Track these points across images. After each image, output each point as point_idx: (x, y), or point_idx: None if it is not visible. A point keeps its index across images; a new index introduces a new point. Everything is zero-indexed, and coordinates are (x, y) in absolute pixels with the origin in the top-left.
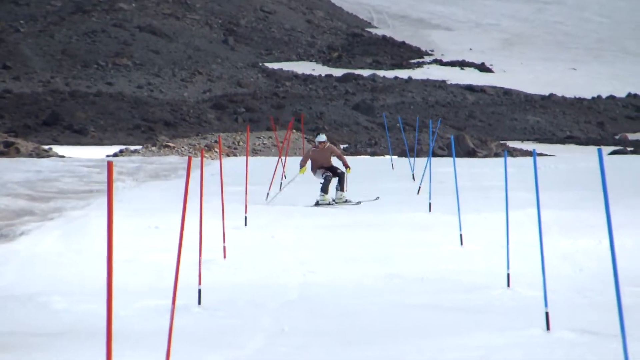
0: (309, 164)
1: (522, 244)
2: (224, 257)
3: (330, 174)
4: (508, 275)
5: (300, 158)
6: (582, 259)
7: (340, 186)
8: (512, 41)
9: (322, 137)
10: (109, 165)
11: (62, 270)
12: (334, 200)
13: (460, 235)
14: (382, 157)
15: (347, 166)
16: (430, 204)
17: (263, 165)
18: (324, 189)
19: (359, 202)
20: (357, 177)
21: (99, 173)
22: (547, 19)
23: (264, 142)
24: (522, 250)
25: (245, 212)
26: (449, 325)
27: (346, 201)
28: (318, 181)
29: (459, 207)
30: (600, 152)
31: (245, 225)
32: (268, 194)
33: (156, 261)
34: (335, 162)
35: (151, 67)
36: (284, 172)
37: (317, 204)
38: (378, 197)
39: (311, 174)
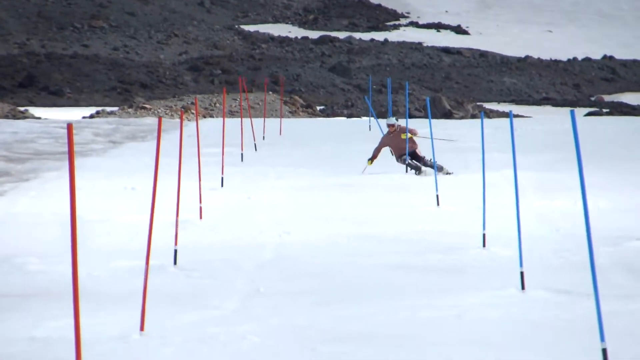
0: (383, 153)
1: (498, 205)
2: (200, 217)
3: (409, 158)
4: (484, 235)
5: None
6: (558, 219)
7: (423, 161)
8: (488, 3)
9: (391, 120)
10: (69, 128)
11: (38, 231)
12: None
13: (437, 196)
14: (358, 118)
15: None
16: (407, 165)
17: (238, 127)
18: (417, 169)
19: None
20: (334, 139)
21: (75, 134)
22: None
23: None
24: (498, 211)
25: (222, 174)
26: (424, 285)
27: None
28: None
29: (435, 168)
30: (572, 113)
31: (222, 186)
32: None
33: (131, 222)
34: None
35: (127, 29)
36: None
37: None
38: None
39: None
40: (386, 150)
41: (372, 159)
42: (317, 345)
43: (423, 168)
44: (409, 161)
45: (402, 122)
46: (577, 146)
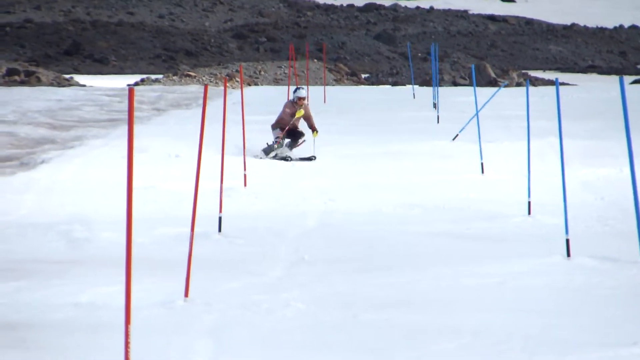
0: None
1: (543, 173)
2: (245, 185)
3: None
4: (529, 203)
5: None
6: (603, 187)
7: (292, 145)
8: None
9: (303, 93)
10: (130, 92)
11: (83, 199)
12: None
13: (482, 163)
14: (403, 86)
15: (313, 129)
16: (457, 135)
17: (283, 94)
18: (267, 152)
19: (289, 159)
20: (378, 106)
21: (119, 102)
22: None
23: (285, 72)
24: (543, 179)
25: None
26: (468, 253)
27: (285, 156)
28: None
29: (479, 136)
30: (621, 80)
31: (315, 158)
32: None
33: (176, 189)
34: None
35: None
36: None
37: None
38: (313, 157)
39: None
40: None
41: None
42: (360, 312)
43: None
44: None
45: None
46: (625, 113)
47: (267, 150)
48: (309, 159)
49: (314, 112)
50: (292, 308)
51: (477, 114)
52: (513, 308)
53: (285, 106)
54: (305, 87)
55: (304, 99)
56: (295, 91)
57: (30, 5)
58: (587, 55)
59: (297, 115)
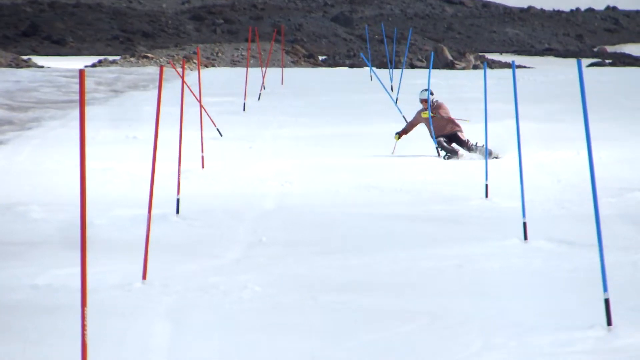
0: (413, 131)
1: (500, 155)
2: (202, 167)
3: (444, 140)
4: (486, 186)
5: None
6: (560, 170)
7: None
8: None
9: (423, 95)
10: (81, 74)
11: (41, 179)
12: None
13: (437, 148)
14: (360, 68)
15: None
16: (403, 117)
17: (241, 76)
18: (452, 152)
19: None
20: (336, 88)
21: (76, 84)
22: None
23: (242, 54)
24: (500, 162)
25: (215, 125)
26: (425, 236)
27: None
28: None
29: (430, 118)
30: (579, 62)
31: (222, 136)
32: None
33: (133, 171)
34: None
35: None
36: (263, 83)
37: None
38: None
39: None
40: (422, 131)
41: (400, 134)
42: (318, 295)
43: (461, 151)
44: (443, 143)
45: (438, 97)
46: (582, 96)
47: (451, 153)
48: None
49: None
50: (250, 290)
51: (429, 97)
52: (470, 291)
53: (416, 116)
54: (427, 88)
55: (424, 101)
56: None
57: None
58: (544, 38)
59: (423, 116)
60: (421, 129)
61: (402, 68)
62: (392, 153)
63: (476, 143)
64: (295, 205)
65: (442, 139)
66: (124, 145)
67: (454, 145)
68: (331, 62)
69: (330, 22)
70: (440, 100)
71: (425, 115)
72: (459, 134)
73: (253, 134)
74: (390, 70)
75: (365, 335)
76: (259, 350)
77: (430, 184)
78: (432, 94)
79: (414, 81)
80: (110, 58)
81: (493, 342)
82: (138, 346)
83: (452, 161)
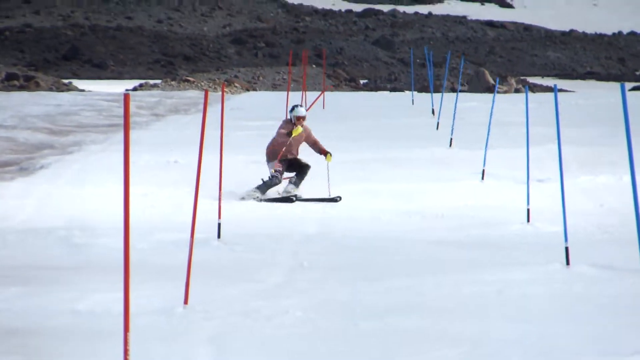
0: (269, 147)
1: (542, 180)
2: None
3: (278, 177)
4: (528, 210)
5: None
6: (603, 194)
7: (298, 180)
8: None
9: (303, 112)
10: (126, 98)
11: (82, 204)
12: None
13: (483, 170)
14: (401, 92)
15: (325, 153)
16: (451, 139)
17: (282, 100)
18: (264, 190)
19: (294, 198)
20: (377, 112)
21: (118, 107)
22: None
23: (284, 77)
24: (542, 186)
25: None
26: (467, 261)
27: (287, 195)
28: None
29: (487, 141)
30: (622, 86)
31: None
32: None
33: (175, 195)
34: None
35: (171, 2)
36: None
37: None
38: (339, 198)
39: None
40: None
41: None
42: (359, 321)
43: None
44: (277, 172)
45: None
46: (626, 120)
47: (263, 188)
48: (333, 200)
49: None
50: (291, 315)
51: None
52: (512, 316)
53: (280, 127)
54: (303, 105)
55: (303, 118)
56: (292, 110)
57: (29, 10)
58: (586, 62)
59: (294, 134)
60: None
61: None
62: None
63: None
64: (336, 229)
65: (281, 169)
66: (165, 170)
67: (287, 174)
68: (372, 86)
69: (372, 45)
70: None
71: (295, 133)
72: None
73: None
74: (432, 94)
75: (406, 359)
76: None
77: (472, 208)
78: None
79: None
80: (152, 82)
81: None
82: None
83: (494, 185)
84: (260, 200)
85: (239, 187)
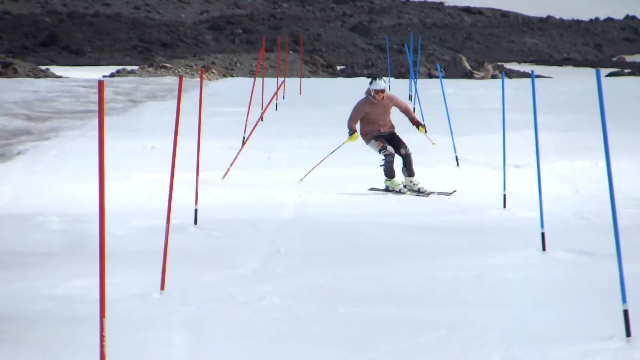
0: (359, 126)
1: (518, 166)
2: (223, 178)
3: (391, 151)
4: (504, 196)
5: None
6: (579, 180)
7: (408, 169)
8: None
9: (380, 84)
10: (100, 85)
11: (59, 190)
12: (405, 186)
13: (456, 157)
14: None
15: (418, 124)
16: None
17: (258, 86)
18: (388, 173)
19: (430, 193)
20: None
21: (95, 93)
22: None
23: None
24: (518, 172)
25: (244, 133)
26: (443, 246)
27: (419, 190)
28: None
29: (450, 128)
30: (598, 72)
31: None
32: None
33: (152, 181)
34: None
35: None
36: (284, 93)
37: (386, 189)
38: (455, 191)
39: (361, 140)
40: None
41: (351, 133)
42: (336, 305)
43: (404, 181)
44: (388, 153)
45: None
46: (601, 106)
47: (388, 172)
48: (448, 194)
49: (290, 105)
50: (268, 301)
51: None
52: (489, 302)
53: (359, 103)
54: (383, 77)
55: (382, 91)
56: (370, 82)
57: None
58: (563, 48)
59: (347, 142)
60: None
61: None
62: (301, 180)
63: (421, 189)
64: (313, 215)
65: (389, 149)
66: (142, 156)
67: (389, 149)
68: (349, 72)
69: (349, 31)
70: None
71: (421, 130)
72: (397, 133)
73: (271, 144)
74: (410, 80)
75: (384, 345)
76: None
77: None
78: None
79: (432, 91)
80: (129, 68)
81: (512, 354)
82: (157, 357)
83: (470, 171)
84: (401, 190)
85: (216, 173)
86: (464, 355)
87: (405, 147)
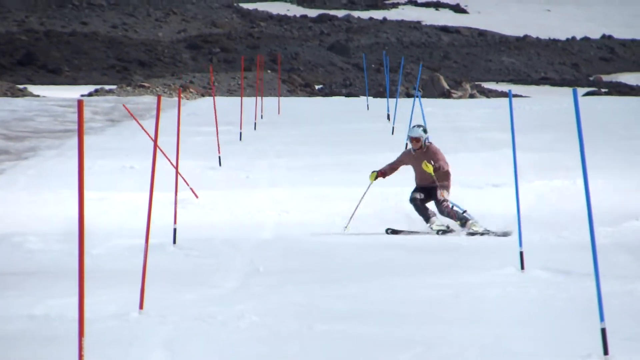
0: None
1: (497, 185)
2: (196, 197)
3: (414, 196)
4: (482, 215)
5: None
6: (557, 199)
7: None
8: None
9: (414, 132)
10: (80, 104)
11: (37, 209)
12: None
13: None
14: (357, 97)
15: (434, 181)
16: (407, 144)
17: (237, 105)
18: (424, 218)
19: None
20: (332, 118)
21: (73, 112)
22: None
23: (239, 83)
24: (497, 191)
25: (219, 152)
26: (422, 264)
27: (446, 229)
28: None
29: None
30: (575, 92)
31: (220, 165)
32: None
33: (130, 201)
34: None
35: (125, 7)
36: (262, 112)
37: (437, 233)
38: (507, 233)
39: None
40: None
41: (378, 174)
42: (315, 324)
43: (451, 224)
44: (418, 202)
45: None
46: (578, 125)
47: (423, 217)
48: (505, 234)
49: (269, 124)
50: (247, 319)
51: (424, 119)
52: (467, 319)
53: (401, 155)
54: (421, 124)
55: (417, 140)
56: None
57: None
58: (540, 67)
59: (371, 180)
60: (407, 172)
61: (395, 97)
62: (346, 228)
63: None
64: (292, 234)
65: (418, 194)
66: (120, 175)
67: (427, 205)
68: (327, 91)
69: (327, 50)
70: (433, 143)
71: (428, 169)
72: (438, 189)
73: (250, 164)
74: (387, 99)
75: None
76: None
77: None
78: (425, 131)
79: (409, 110)
80: (107, 87)
81: None
82: None
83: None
84: (447, 227)
85: (195, 191)
86: None
87: (438, 200)
